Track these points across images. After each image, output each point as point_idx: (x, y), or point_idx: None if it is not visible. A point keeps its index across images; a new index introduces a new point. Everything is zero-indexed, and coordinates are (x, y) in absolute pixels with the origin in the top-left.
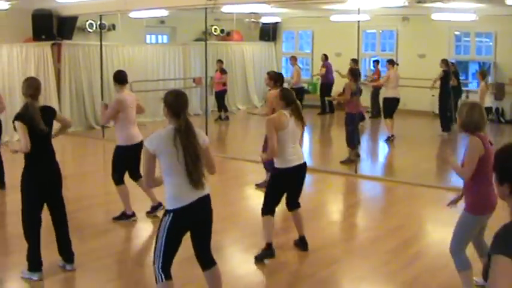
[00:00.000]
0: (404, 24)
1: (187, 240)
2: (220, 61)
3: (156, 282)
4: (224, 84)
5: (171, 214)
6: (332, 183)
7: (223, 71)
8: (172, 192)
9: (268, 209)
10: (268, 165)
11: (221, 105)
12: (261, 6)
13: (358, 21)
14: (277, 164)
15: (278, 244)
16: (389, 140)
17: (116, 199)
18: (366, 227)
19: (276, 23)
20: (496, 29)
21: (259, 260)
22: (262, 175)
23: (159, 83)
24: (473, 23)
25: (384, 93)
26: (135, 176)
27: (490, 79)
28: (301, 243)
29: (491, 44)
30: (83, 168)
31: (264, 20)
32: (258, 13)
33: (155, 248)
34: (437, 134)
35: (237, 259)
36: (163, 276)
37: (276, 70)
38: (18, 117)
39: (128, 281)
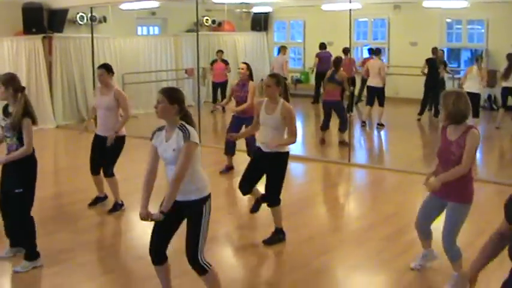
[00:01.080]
0: (396, 13)
1: (182, 232)
2: (220, 51)
3: (204, 274)
4: (226, 74)
5: (210, 198)
6: (325, 172)
7: (225, 62)
8: (205, 179)
9: (279, 197)
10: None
11: (223, 95)
12: None
13: (350, 10)
14: (285, 148)
15: (270, 233)
16: (362, 125)
17: (108, 192)
18: (359, 215)
19: (267, 12)
20: (488, 16)
21: (273, 243)
22: None
23: (151, 74)
24: (465, 10)
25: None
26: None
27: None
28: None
29: (483, 31)
30: (76, 162)
31: (255, 9)
32: (249, 3)
33: (199, 236)
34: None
35: (230, 250)
36: (209, 264)
37: (267, 60)
38: (28, 114)
39: (122, 274)
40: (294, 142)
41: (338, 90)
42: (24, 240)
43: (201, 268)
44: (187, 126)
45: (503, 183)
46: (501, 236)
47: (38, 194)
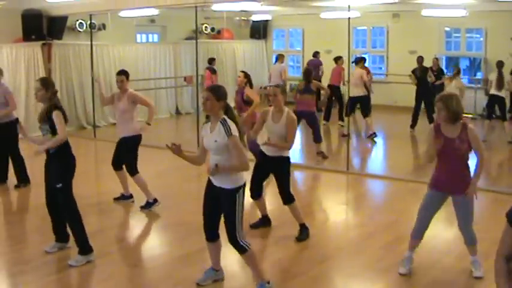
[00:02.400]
0: (394, 21)
1: (180, 239)
2: (212, 59)
3: (244, 253)
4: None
5: (244, 187)
6: (323, 180)
7: (211, 70)
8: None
9: (292, 194)
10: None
11: None
12: (251, 4)
13: (349, 18)
14: (287, 153)
15: (270, 242)
16: (344, 136)
17: (108, 199)
18: (358, 223)
19: (267, 20)
20: (486, 24)
21: (304, 239)
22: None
23: (150, 82)
24: (463, 18)
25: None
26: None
27: (480, 75)
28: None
29: (481, 39)
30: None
31: (255, 18)
32: (248, 11)
33: (235, 221)
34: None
35: (228, 258)
36: (248, 244)
37: (266, 68)
38: (57, 107)
39: (119, 282)
40: (288, 148)
41: (312, 100)
42: (74, 236)
43: (241, 248)
44: (228, 120)
45: (498, 191)
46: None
47: (38, 201)
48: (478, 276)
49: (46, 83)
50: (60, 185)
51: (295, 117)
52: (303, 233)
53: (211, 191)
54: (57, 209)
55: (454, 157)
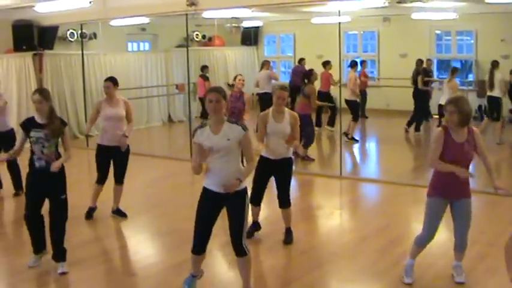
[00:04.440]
0: (385, 25)
1: (174, 247)
2: (205, 67)
3: (244, 256)
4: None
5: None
6: (316, 185)
7: (203, 77)
8: None
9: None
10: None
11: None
12: (241, 10)
13: (339, 23)
14: (290, 154)
15: (264, 248)
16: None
17: (102, 209)
18: (352, 228)
19: (257, 27)
20: (477, 27)
21: (291, 242)
22: None
23: (142, 90)
24: (454, 21)
25: None
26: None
27: (471, 77)
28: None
29: (472, 42)
30: (68, 179)
31: (245, 24)
32: (239, 18)
33: (243, 223)
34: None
35: (224, 263)
36: (248, 249)
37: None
38: (64, 122)
39: None
40: (298, 144)
41: (306, 103)
42: (61, 244)
43: (242, 251)
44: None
45: (494, 193)
46: None
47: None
48: (460, 282)
49: (47, 95)
50: (64, 196)
51: (296, 114)
52: (290, 236)
53: (214, 200)
54: (41, 220)
55: (465, 161)
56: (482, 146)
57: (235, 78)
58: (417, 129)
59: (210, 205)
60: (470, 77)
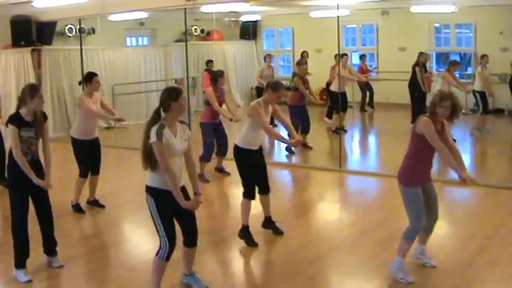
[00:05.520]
0: (384, 18)
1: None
2: (211, 61)
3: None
4: None
5: None
6: (316, 179)
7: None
8: None
9: None
10: None
11: None
12: (240, 4)
13: (338, 17)
14: None
15: (263, 242)
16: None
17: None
18: (351, 221)
19: (256, 21)
20: (476, 19)
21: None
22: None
23: (141, 85)
24: (453, 14)
25: None
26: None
27: (470, 70)
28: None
29: (471, 34)
30: (67, 174)
31: (244, 18)
32: (238, 12)
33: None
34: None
35: (222, 258)
36: None
37: (257, 68)
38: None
39: (117, 286)
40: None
41: (295, 95)
42: (53, 236)
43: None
44: None
45: (494, 185)
46: None
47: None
48: (434, 265)
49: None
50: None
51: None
52: (276, 225)
53: (175, 200)
54: (27, 227)
55: (434, 150)
56: (449, 135)
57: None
58: (413, 121)
59: (172, 205)
60: (469, 70)
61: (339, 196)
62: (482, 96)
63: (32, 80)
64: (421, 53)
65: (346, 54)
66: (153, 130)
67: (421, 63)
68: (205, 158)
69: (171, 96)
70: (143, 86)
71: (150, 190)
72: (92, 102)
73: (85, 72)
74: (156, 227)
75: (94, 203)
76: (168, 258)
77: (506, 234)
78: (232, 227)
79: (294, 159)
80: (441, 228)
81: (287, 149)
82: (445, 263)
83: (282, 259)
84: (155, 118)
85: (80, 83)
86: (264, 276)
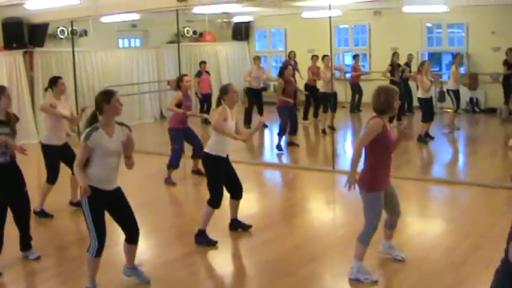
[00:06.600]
0: (376, 19)
1: (168, 243)
2: (204, 62)
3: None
4: (210, 86)
5: None
6: (309, 179)
7: (208, 73)
8: None
9: None
10: None
11: (209, 107)
12: (232, 6)
13: (330, 17)
14: None
15: (257, 243)
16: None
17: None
18: (345, 221)
19: (248, 22)
20: (468, 19)
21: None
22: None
23: (133, 87)
24: (445, 14)
25: None
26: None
27: (463, 69)
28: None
29: (463, 34)
30: (59, 177)
31: (236, 19)
32: (230, 13)
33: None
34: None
35: (217, 259)
36: None
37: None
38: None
39: (114, 286)
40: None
41: (278, 96)
42: (28, 233)
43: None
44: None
45: (487, 185)
46: None
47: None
48: (404, 258)
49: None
50: (26, 188)
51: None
52: (241, 222)
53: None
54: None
55: (392, 151)
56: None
57: (182, 78)
58: (399, 118)
59: (105, 205)
60: (462, 70)
61: (333, 196)
62: (456, 94)
63: (24, 82)
64: (394, 53)
65: (327, 55)
66: (86, 131)
67: (395, 63)
68: (172, 165)
69: (103, 99)
70: (136, 87)
71: None
72: (61, 106)
73: (77, 74)
74: (87, 225)
75: (79, 205)
76: (98, 255)
77: (500, 233)
78: (225, 228)
79: (287, 159)
80: (435, 228)
81: (277, 147)
82: (440, 262)
83: (276, 259)
84: (91, 120)
85: (46, 89)
86: (258, 276)
